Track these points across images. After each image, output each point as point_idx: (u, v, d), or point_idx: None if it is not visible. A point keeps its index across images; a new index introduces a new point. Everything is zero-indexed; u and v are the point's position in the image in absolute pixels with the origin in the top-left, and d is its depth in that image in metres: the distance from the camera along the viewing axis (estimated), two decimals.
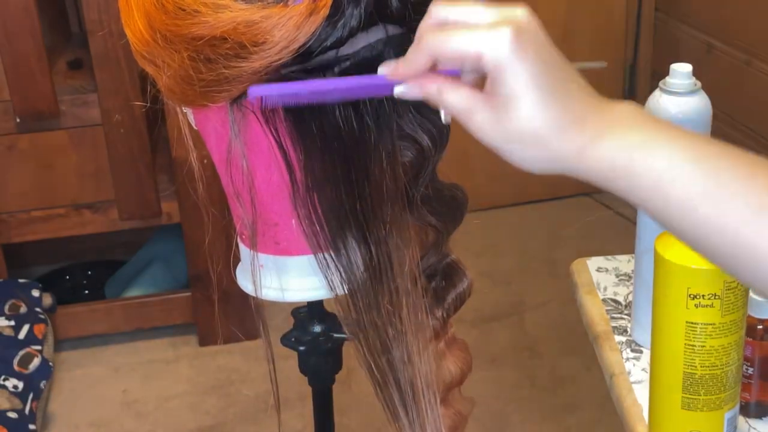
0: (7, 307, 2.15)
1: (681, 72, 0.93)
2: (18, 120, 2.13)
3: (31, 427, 1.95)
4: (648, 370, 0.90)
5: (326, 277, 0.64)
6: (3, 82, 2.08)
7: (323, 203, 0.63)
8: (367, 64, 0.62)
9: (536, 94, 0.52)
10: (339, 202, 0.63)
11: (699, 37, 2.47)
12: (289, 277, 0.71)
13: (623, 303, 1.12)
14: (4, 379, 1.98)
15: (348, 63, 0.61)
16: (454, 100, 0.54)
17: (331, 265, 0.64)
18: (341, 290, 0.64)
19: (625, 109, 0.54)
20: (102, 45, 2.08)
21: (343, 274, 0.63)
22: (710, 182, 0.50)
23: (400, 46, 0.63)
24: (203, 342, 2.36)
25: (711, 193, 0.50)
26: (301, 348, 0.85)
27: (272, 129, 0.63)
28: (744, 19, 2.27)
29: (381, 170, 0.63)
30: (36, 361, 2.05)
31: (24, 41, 2.04)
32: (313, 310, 0.84)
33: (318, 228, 0.63)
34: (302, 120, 0.62)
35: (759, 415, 0.93)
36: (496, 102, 0.53)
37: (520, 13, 0.53)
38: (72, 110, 2.15)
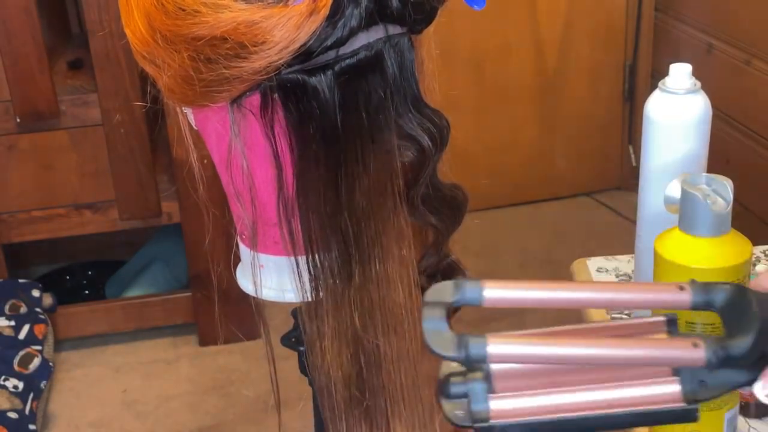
0: (7, 307, 2.15)
1: (681, 72, 0.93)
2: (18, 120, 2.13)
3: (32, 427, 1.95)
4: None
5: (300, 282, 0.64)
6: (3, 82, 2.08)
7: (315, 206, 0.63)
8: (367, 64, 0.62)
9: None
10: (334, 205, 0.63)
11: (699, 37, 2.48)
12: (289, 277, 0.71)
13: None
14: (5, 379, 1.98)
15: (347, 62, 0.61)
16: None
17: (313, 270, 0.63)
18: (312, 296, 0.64)
19: None
20: (102, 45, 2.08)
21: (323, 280, 0.63)
22: None
23: (399, 46, 0.64)
24: (203, 342, 2.36)
25: None
26: (301, 348, 0.85)
27: (270, 129, 0.63)
28: (744, 19, 2.27)
29: (381, 171, 0.63)
30: (36, 361, 2.05)
31: (24, 41, 2.05)
32: None
33: (305, 231, 0.63)
34: (301, 120, 0.62)
35: (759, 415, 0.93)
36: None
37: None
38: (72, 110, 2.16)
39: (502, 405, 0.51)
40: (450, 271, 0.73)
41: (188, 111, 0.68)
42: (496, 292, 0.52)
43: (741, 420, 0.92)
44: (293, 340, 0.85)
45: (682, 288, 0.52)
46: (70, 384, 2.25)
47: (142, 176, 2.22)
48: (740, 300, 0.52)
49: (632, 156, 2.93)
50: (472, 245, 2.65)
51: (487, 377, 0.51)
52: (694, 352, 0.50)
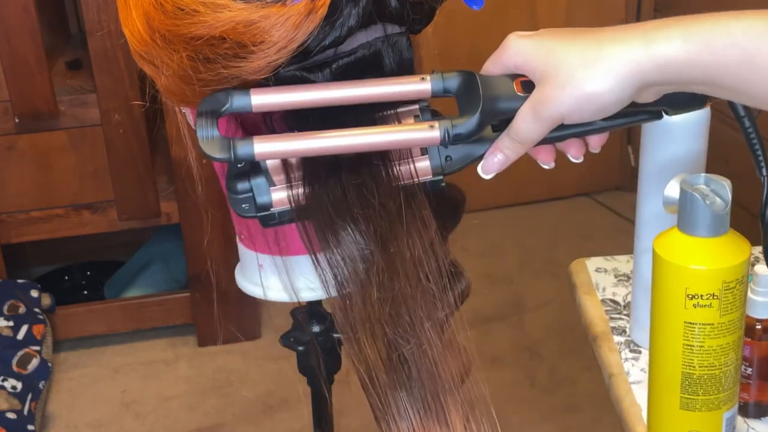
0: (6, 307, 2.15)
1: None
2: (17, 120, 2.13)
3: (30, 427, 1.95)
4: (647, 371, 0.90)
5: (323, 278, 0.64)
6: (2, 83, 2.08)
7: (321, 200, 0.63)
8: (366, 63, 0.62)
9: (561, 40, 0.57)
10: (338, 198, 0.62)
11: None
12: (290, 277, 0.71)
13: (622, 303, 1.12)
14: (3, 380, 1.98)
15: (345, 60, 0.61)
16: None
17: (330, 265, 0.63)
18: (338, 291, 0.64)
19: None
20: (101, 45, 2.08)
21: (343, 274, 0.62)
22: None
23: (398, 45, 0.64)
24: (202, 342, 2.36)
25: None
26: (300, 348, 0.85)
27: (271, 128, 0.63)
28: None
29: (382, 165, 0.63)
30: (35, 362, 2.05)
31: (23, 42, 2.05)
32: (312, 310, 0.84)
33: (315, 227, 0.63)
34: (302, 119, 0.62)
35: (758, 416, 0.93)
36: (541, 78, 0.58)
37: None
38: (71, 110, 2.16)
39: (280, 195, 0.61)
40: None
41: (187, 111, 0.68)
42: (262, 99, 0.59)
43: (740, 420, 0.92)
44: (292, 340, 0.85)
45: (423, 79, 0.60)
46: (68, 384, 2.25)
47: (141, 176, 2.22)
48: (470, 84, 0.60)
49: (631, 156, 2.93)
50: (472, 245, 2.65)
51: (267, 174, 0.60)
52: (430, 133, 0.59)
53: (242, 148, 0.58)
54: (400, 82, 0.60)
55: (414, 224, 0.62)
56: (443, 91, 0.61)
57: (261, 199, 0.60)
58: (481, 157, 0.62)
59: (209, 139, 0.58)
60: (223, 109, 0.59)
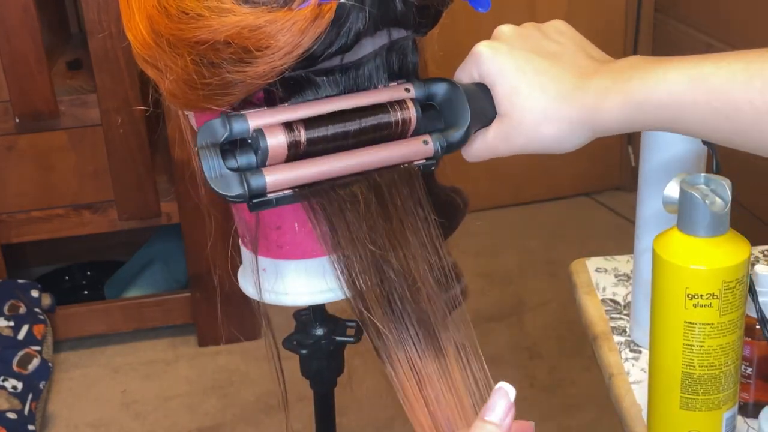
0: (6, 307, 2.15)
1: None
2: (17, 120, 2.13)
3: (31, 427, 1.95)
4: (647, 371, 0.90)
5: (338, 278, 0.64)
6: (2, 83, 2.09)
7: (330, 204, 0.63)
8: (372, 73, 0.62)
9: (526, 80, 0.63)
10: (346, 200, 0.62)
11: (699, 38, 2.48)
12: (291, 281, 0.71)
13: (622, 303, 1.12)
14: (4, 380, 1.98)
15: (353, 71, 0.62)
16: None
17: (342, 266, 0.63)
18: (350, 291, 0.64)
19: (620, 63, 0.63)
20: (101, 45, 2.08)
21: (353, 273, 0.63)
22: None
23: (403, 49, 0.64)
24: (202, 342, 2.36)
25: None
26: (303, 351, 0.85)
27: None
28: (744, 19, 2.28)
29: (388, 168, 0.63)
30: (35, 362, 2.05)
31: (23, 41, 2.05)
32: (315, 313, 0.84)
33: (326, 229, 0.62)
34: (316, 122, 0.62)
35: (757, 415, 0.93)
36: (504, 113, 0.63)
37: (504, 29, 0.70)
38: (71, 110, 2.16)
39: (277, 176, 0.59)
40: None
41: (190, 114, 0.68)
42: (258, 121, 0.59)
43: (740, 420, 0.93)
44: (295, 343, 0.85)
45: (407, 89, 0.64)
46: (69, 384, 2.25)
47: (142, 176, 2.22)
48: (454, 94, 0.64)
49: (631, 156, 2.93)
50: (472, 245, 2.65)
51: (264, 153, 0.58)
52: (425, 148, 0.63)
53: (255, 180, 0.57)
54: (388, 96, 0.62)
55: (407, 180, 0.64)
56: (426, 98, 0.64)
57: (255, 183, 0.58)
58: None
59: (218, 176, 0.57)
60: (223, 137, 0.58)
